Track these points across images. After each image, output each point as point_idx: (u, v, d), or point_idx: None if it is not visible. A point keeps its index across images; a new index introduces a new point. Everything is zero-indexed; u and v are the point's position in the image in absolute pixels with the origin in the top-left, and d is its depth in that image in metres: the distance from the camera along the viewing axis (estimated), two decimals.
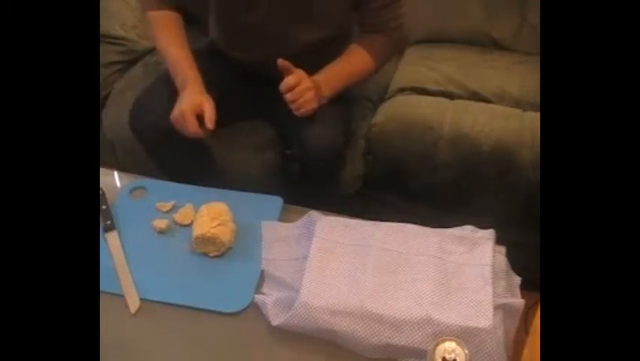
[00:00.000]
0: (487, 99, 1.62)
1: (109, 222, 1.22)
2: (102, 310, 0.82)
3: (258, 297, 1.08)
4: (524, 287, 1.09)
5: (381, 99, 1.68)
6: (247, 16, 1.36)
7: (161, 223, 1.21)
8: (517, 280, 1.10)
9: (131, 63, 1.85)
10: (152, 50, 1.84)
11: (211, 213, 1.16)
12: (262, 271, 1.13)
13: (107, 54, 1.81)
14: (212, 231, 1.13)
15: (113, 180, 1.36)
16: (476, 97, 1.63)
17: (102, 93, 1.75)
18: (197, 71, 1.35)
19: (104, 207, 1.24)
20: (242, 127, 1.60)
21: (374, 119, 1.59)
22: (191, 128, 1.26)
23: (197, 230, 1.14)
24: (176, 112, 1.27)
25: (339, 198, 1.55)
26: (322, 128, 1.35)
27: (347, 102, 1.53)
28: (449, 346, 0.84)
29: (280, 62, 1.27)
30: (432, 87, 1.65)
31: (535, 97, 1.57)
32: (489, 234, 1.13)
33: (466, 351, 0.84)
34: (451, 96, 1.63)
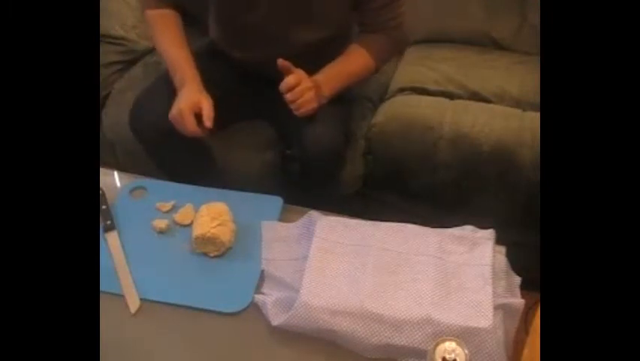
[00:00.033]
0: (487, 99, 1.62)
1: (109, 222, 1.22)
2: (102, 310, 0.82)
3: (258, 297, 1.08)
4: (524, 287, 1.09)
5: (381, 99, 1.68)
6: (247, 16, 1.36)
7: (161, 223, 1.21)
8: (517, 280, 1.10)
9: (131, 63, 1.85)
10: (152, 50, 1.84)
11: (211, 213, 1.16)
12: (262, 271, 1.13)
13: (107, 54, 1.81)
14: (212, 231, 1.13)
15: (113, 180, 1.36)
16: (476, 97, 1.63)
17: (102, 93, 1.75)
18: (196, 70, 1.35)
19: (104, 207, 1.24)
20: (242, 127, 1.60)
21: (374, 119, 1.59)
22: (190, 126, 1.26)
23: (197, 230, 1.14)
24: (174, 111, 1.27)
25: (339, 198, 1.55)
26: (322, 128, 1.35)
27: (347, 102, 1.53)
28: (449, 346, 0.84)
29: (280, 62, 1.27)
30: (432, 87, 1.65)
31: (535, 97, 1.57)
32: (489, 234, 1.13)
33: (466, 351, 0.84)
34: (451, 96, 1.63)
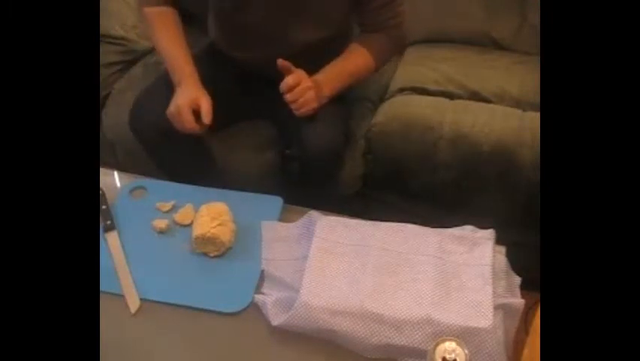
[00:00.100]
0: (487, 99, 1.62)
1: (109, 222, 1.22)
2: (102, 310, 0.82)
3: (258, 297, 1.08)
4: (524, 287, 1.09)
5: (381, 99, 1.68)
6: (246, 16, 1.36)
7: (161, 223, 1.21)
8: (517, 280, 1.10)
9: (131, 63, 1.85)
10: (152, 50, 1.84)
11: (211, 213, 1.16)
12: (262, 271, 1.13)
13: (107, 54, 1.81)
14: (212, 231, 1.13)
15: (113, 180, 1.36)
16: (476, 97, 1.63)
17: (102, 93, 1.75)
18: (194, 68, 1.35)
19: (104, 207, 1.24)
20: (242, 127, 1.61)
21: (374, 119, 1.59)
22: (188, 123, 1.26)
23: (197, 230, 1.14)
24: (172, 107, 1.27)
25: (339, 198, 1.55)
26: (322, 127, 1.35)
27: (347, 102, 1.53)
28: (449, 346, 0.84)
29: (280, 62, 1.26)
30: (432, 87, 1.65)
31: (535, 97, 1.57)
32: (489, 234, 1.12)
33: (466, 351, 0.84)
34: (451, 96, 1.63)
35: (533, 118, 1.53)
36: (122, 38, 1.84)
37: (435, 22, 1.85)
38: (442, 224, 1.16)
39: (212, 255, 1.16)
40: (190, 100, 1.26)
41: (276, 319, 1.03)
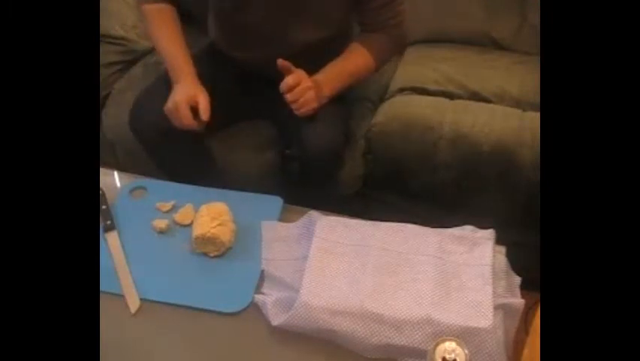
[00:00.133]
0: (487, 99, 1.62)
1: (109, 222, 1.22)
2: (102, 310, 0.82)
3: (258, 297, 1.08)
4: (524, 287, 1.09)
5: (381, 99, 1.68)
6: (246, 16, 1.36)
7: (161, 223, 1.21)
8: (517, 280, 1.10)
9: (131, 63, 1.85)
10: (152, 50, 1.84)
11: (211, 213, 1.16)
12: (262, 271, 1.13)
13: (107, 54, 1.81)
14: (212, 231, 1.13)
15: (113, 180, 1.36)
16: (476, 97, 1.63)
17: (102, 93, 1.75)
18: (192, 65, 1.35)
19: (104, 207, 1.24)
20: (242, 127, 1.61)
21: (374, 119, 1.59)
22: (185, 120, 1.26)
23: (197, 230, 1.14)
24: (169, 104, 1.27)
25: (339, 198, 1.55)
26: (322, 127, 1.35)
27: (347, 102, 1.53)
28: (449, 346, 0.84)
29: (280, 62, 1.26)
30: (432, 87, 1.65)
31: (535, 97, 1.57)
32: (489, 234, 1.12)
33: (466, 351, 0.84)
34: (451, 96, 1.63)
35: (533, 118, 1.53)
36: (122, 38, 1.84)
37: (435, 22, 1.85)
38: (442, 224, 1.16)
39: (212, 255, 1.16)
40: (188, 96, 1.26)
41: (276, 319, 1.03)
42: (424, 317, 0.99)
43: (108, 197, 1.27)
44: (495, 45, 1.82)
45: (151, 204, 1.27)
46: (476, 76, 1.68)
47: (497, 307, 1.01)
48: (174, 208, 1.26)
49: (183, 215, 1.23)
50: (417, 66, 1.75)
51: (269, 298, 1.06)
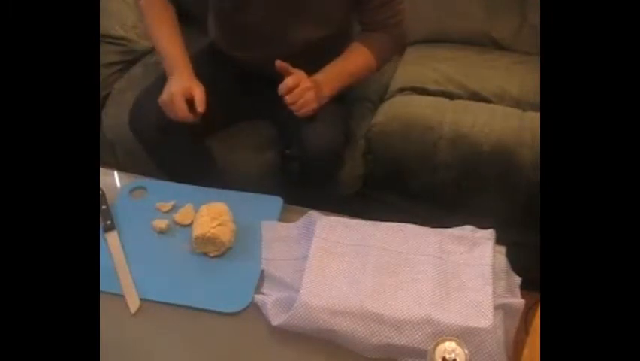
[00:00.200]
0: (487, 99, 1.62)
1: (109, 222, 1.22)
2: (102, 310, 0.82)
3: (258, 297, 1.08)
4: (524, 287, 1.09)
5: (381, 99, 1.68)
6: (247, 16, 1.36)
7: (161, 223, 1.21)
8: (517, 280, 1.10)
9: (131, 63, 1.85)
10: (152, 50, 1.84)
11: (211, 213, 1.16)
12: (262, 271, 1.13)
13: (107, 54, 1.81)
14: (212, 231, 1.13)
15: (113, 180, 1.36)
16: (476, 97, 1.63)
17: (102, 93, 1.75)
18: (188, 59, 1.35)
19: (104, 207, 1.24)
20: (242, 127, 1.61)
21: (374, 119, 1.59)
22: (181, 112, 1.25)
23: (197, 230, 1.14)
24: (164, 95, 1.26)
25: (339, 198, 1.55)
26: (322, 127, 1.35)
27: (347, 102, 1.53)
28: (449, 346, 0.84)
29: (278, 63, 1.26)
30: (432, 87, 1.65)
31: (535, 97, 1.57)
32: (489, 234, 1.12)
33: (466, 351, 0.84)
34: (451, 96, 1.63)
35: (533, 118, 1.53)
36: (122, 38, 1.84)
37: (435, 22, 1.85)
38: (442, 224, 1.16)
39: (212, 255, 1.16)
40: (183, 88, 1.26)
41: (276, 319, 1.03)
42: (424, 317, 0.99)
43: (108, 197, 1.27)
44: (495, 45, 1.82)
45: (151, 204, 1.27)
46: (476, 76, 1.68)
47: (497, 307, 1.01)
48: (174, 208, 1.26)
49: (183, 215, 1.23)
50: (417, 66, 1.75)
51: (269, 298, 1.06)
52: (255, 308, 1.07)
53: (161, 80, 1.41)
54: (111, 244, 1.18)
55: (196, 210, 1.21)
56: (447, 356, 0.83)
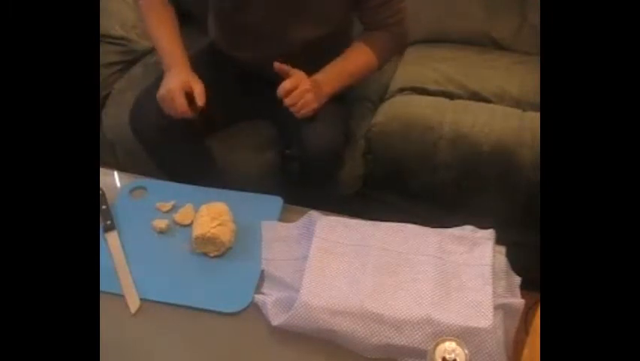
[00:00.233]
0: (487, 99, 1.62)
1: (109, 222, 1.22)
2: (102, 310, 0.82)
3: (258, 297, 1.08)
4: (524, 287, 1.09)
5: (381, 99, 1.68)
6: (247, 16, 1.36)
7: (161, 223, 1.21)
8: (517, 280, 1.10)
9: (131, 63, 1.85)
10: (152, 50, 1.84)
11: (211, 213, 1.16)
12: (262, 271, 1.13)
13: (107, 54, 1.81)
14: (212, 231, 1.13)
15: (113, 180, 1.36)
16: (476, 97, 1.63)
17: (102, 93, 1.75)
18: (186, 55, 1.34)
19: (104, 207, 1.24)
20: (242, 127, 1.61)
21: (374, 119, 1.59)
22: (180, 107, 1.25)
23: (197, 230, 1.14)
24: (163, 90, 1.26)
25: (339, 198, 1.55)
26: (322, 127, 1.35)
27: (347, 102, 1.53)
28: (449, 346, 0.84)
29: (277, 65, 1.26)
30: (432, 87, 1.65)
31: (535, 97, 1.57)
32: (489, 234, 1.12)
33: (466, 351, 0.84)
34: (451, 96, 1.63)
35: (533, 118, 1.53)
36: (122, 38, 1.84)
37: (435, 22, 1.85)
38: (442, 224, 1.16)
39: (212, 255, 1.16)
40: (182, 83, 1.25)
41: (276, 319, 1.03)
42: (424, 317, 0.99)
43: (108, 197, 1.27)
44: (495, 45, 1.82)
45: (151, 204, 1.27)
46: (476, 76, 1.68)
47: (497, 307, 1.01)
48: (174, 208, 1.26)
49: (183, 215, 1.23)
50: (417, 66, 1.75)
51: (269, 298, 1.06)
52: (255, 308, 1.07)
53: (161, 80, 1.41)
54: (111, 244, 1.18)
55: (196, 210, 1.21)
56: (447, 356, 0.83)
